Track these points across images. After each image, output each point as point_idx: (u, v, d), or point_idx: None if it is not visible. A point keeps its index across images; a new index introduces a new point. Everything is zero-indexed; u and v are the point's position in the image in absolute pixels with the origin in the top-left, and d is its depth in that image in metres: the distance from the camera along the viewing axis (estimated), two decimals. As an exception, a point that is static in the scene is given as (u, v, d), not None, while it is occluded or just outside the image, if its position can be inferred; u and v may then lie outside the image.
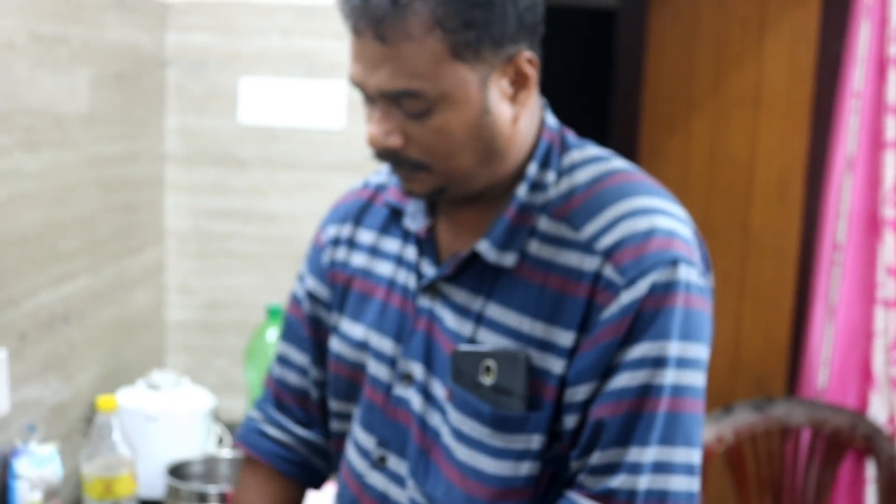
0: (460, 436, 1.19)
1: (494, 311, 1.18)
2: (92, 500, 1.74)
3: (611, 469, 1.11)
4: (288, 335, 1.45)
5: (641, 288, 1.10)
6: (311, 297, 1.41)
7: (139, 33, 2.31)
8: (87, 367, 2.10)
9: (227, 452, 2.09)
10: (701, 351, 1.13)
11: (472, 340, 1.19)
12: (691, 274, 1.12)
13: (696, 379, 1.13)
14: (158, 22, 2.42)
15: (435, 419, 1.23)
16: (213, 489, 1.87)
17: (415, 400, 1.25)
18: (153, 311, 2.52)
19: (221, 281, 2.58)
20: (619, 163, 1.23)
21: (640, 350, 1.10)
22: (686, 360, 1.11)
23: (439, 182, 1.18)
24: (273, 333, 2.23)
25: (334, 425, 1.39)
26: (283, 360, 1.45)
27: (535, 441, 1.15)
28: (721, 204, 3.23)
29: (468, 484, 1.19)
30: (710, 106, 3.28)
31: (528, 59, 1.15)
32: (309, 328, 1.42)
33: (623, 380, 1.10)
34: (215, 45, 2.48)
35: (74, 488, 1.96)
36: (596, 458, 1.12)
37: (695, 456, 1.13)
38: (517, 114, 1.17)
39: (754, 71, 3.18)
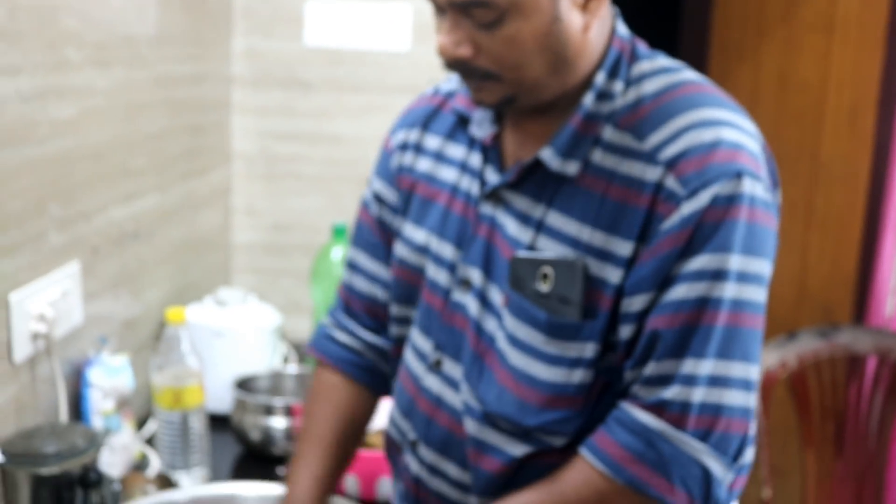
0: (515, 341, 1.21)
1: (555, 218, 1.18)
2: (162, 409, 1.78)
3: (665, 380, 1.11)
4: (357, 240, 1.47)
5: (703, 199, 1.08)
6: (378, 199, 1.43)
7: (206, -46, 2.32)
8: (155, 283, 2.14)
9: (292, 369, 2.13)
10: (763, 266, 1.12)
11: (531, 247, 1.20)
12: (756, 188, 1.10)
13: (757, 294, 1.11)
14: (225, -57, 2.42)
15: (491, 324, 1.24)
16: (278, 402, 1.91)
17: (472, 305, 1.26)
18: (220, 231, 2.56)
19: (287, 202, 2.61)
20: (689, 74, 1.21)
21: (699, 262, 1.08)
22: (747, 274, 1.10)
23: (509, 91, 1.17)
24: (338, 253, 2.25)
25: (394, 329, 1.42)
26: (351, 266, 1.48)
27: (589, 349, 1.16)
28: (791, 131, 3.17)
29: (521, 389, 1.20)
30: (782, 31, 3.21)
31: None
32: (377, 231, 1.44)
33: (681, 291, 1.09)
34: (281, -33, 2.48)
35: (145, 399, 2.01)
36: (650, 368, 1.12)
37: (752, 372, 1.12)
38: (588, 22, 1.15)
39: (827, -5, 3.11)
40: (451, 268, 1.29)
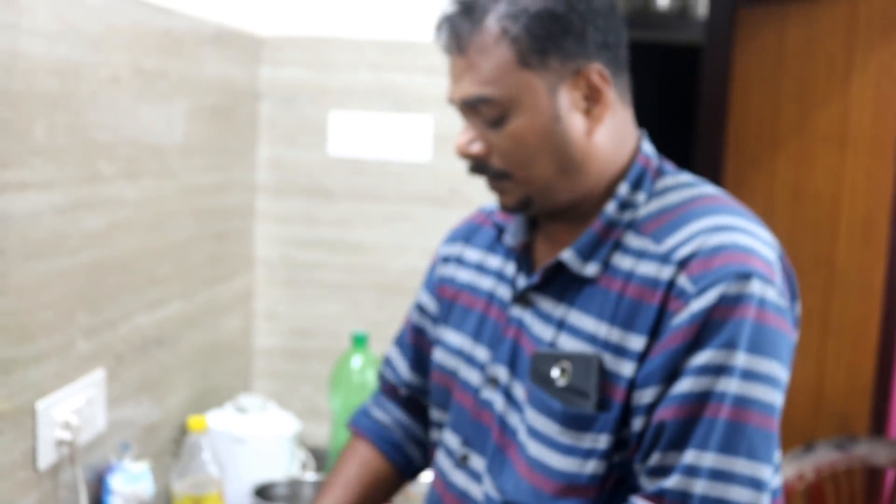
0: (533, 432, 1.26)
1: (575, 317, 1.26)
2: (181, 517, 1.79)
3: (666, 470, 1.15)
4: (398, 340, 1.63)
5: (711, 297, 1.13)
6: (420, 308, 1.56)
7: (234, 67, 2.39)
8: (177, 389, 2.17)
9: (310, 476, 2.14)
10: (773, 368, 1.14)
11: (552, 344, 1.27)
12: (767, 291, 1.15)
13: (766, 394, 1.14)
14: (252, 56, 2.50)
15: (514, 419, 1.30)
16: (297, 511, 1.92)
17: (497, 401, 1.33)
18: (242, 336, 2.59)
19: (308, 309, 2.64)
20: (710, 188, 1.30)
21: (704, 356, 1.13)
22: (754, 373, 1.13)
23: (524, 192, 1.27)
24: (357, 361, 2.27)
25: (434, 434, 1.49)
26: (386, 360, 1.62)
27: (603, 441, 1.20)
28: (805, 241, 3.20)
29: (535, 478, 1.25)
30: (795, 143, 3.27)
31: (598, 71, 1.23)
32: (411, 335, 1.57)
33: (686, 384, 1.14)
34: (307, 79, 2.55)
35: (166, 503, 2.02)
36: (654, 459, 1.16)
37: (762, 471, 1.13)
38: (591, 127, 1.24)
39: (840, 108, 3.16)
40: (482, 368, 1.37)
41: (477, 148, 1.27)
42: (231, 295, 2.48)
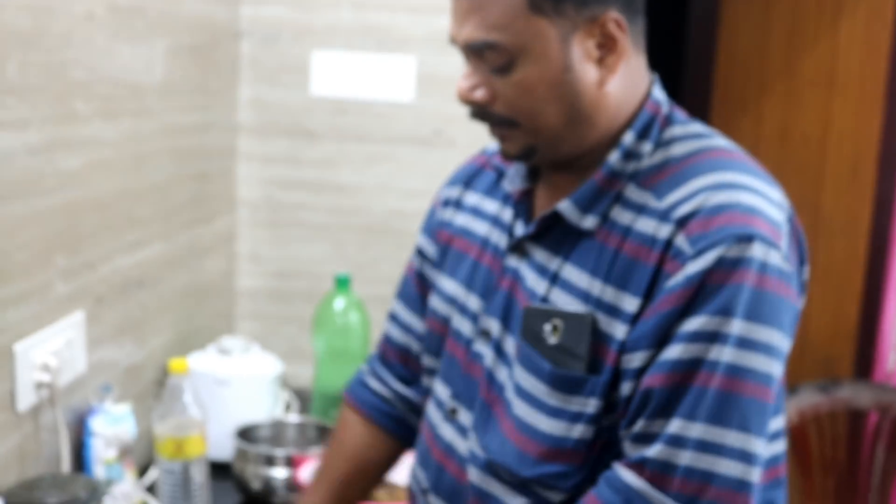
0: (520, 391, 1.21)
1: (570, 272, 1.19)
2: (164, 458, 1.79)
3: (650, 438, 1.10)
4: (399, 292, 1.54)
5: (708, 259, 1.07)
6: (420, 253, 1.49)
7: (214, 5, 2.35)
8: (159, 331, 2.15)
9: (294, 417, 2.14)
10: (772, 336, 1.08)
11: (545, 299, 1.21)
12: (770, 255, 1.08)
13: (763, 364, 1.07)
14: (234, -6, 2.45)
15: (503, 374, 1.25)
16: (280, 452, 1.91)
17: (487, 355, 1.28)
18: (224, 278, 2.57)
19: (291, 250, 2.63)
20: (720, 141, 1.22)
21: (697, 322, 1.07)
22: (750, 341, 1.06)
23: (529, 141, 1.20)
24: (340, 304, 2.26)
25: (425, 381, 1.45)
26: (392, 317, 1.54)
27: (591, 405, 1.15)
28: (792, 184, 3.17)
29: (521, 439, 1.20)
30: (783, 85, 3.24)
31: (615, 20, 1.15)
32: (416, 283, 1.50)
33: (676, 351, 1.08)
34: (288, 18, 2.51)
35: (147, 447, 2.01)
36: (639, 426, 1.11)
37: (754, 444, 1.08)
38: (603, 77, 1.17)
39: (829, 50, 3.14)
40: (474, 318, 1.32)
41: (480, 94, 1.19)
42: (213, 236, 2.46)
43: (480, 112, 1.21)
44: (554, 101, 1.16)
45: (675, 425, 1.08)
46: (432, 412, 1.38)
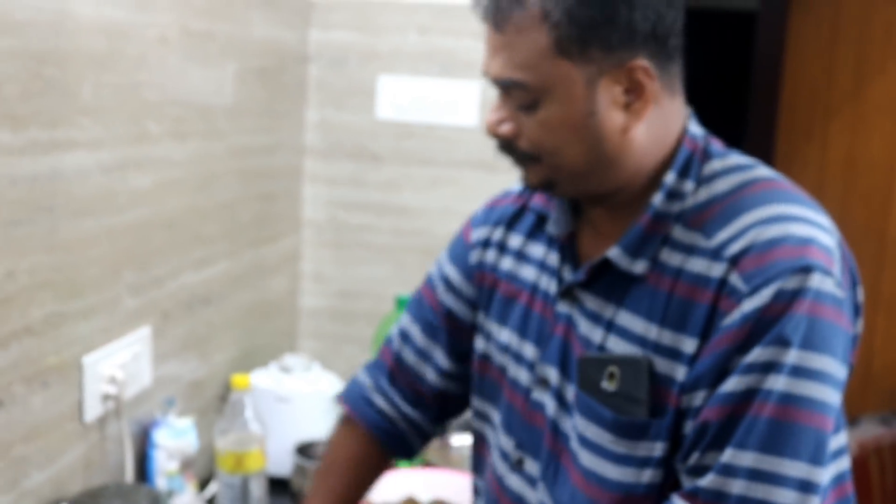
0: (584, 441, 1.21)
1: (624, 318, 1.19)
2: (224, 472, 1.83)
3: (704, 469, 1.09)
4: (415, 314, 1.50)
5: (765, 296, 1.07)
6: (449, 286, 1.46)
7: (283, 30, 2.41)
8: (223, 347, 2.20)
9: (352, 436, 2.16)
10: (828, 364, 1.07)
11: (601, 347, 1.20)
12: (826, 283, 1.07)
13: (819, 392, 1.06)
14: (302, 19, 2.51)
15: (567, 424, 1.25)
16: (337, 469, 1.94)
17: (549, 404, 1.27)
18: (288, 297, 2.62)
19: (354, 271, 2.66)
20: (763, 171, 1.21)
21: (753, 355, 1.07)
22: (805, 369, 1.05)
23: (548, 174, 1.20)
24: (400, 323, 2.29)
25: (475, 423, 1.44)
26: (404, 336, 1.50)
27: (658, 448, 1.15)
28: (858, 212, 3.17)
29: (591, 489, 1.20)
30: (849, 112, 3.22)
31: (643, 68, 1.14)
32: (440, 315, 1.46)
33: (732, 383, 1.08)
34: (355, 42, 2.56)
35: (208, 461, 2.06)
36: (694, 458, 1.11)
37: (812, 473, 1.06)
38: (629, 123, 1.16)
39: (896, 77, 3.11)
40: (531, 367, 1.31)
41: (506, 129, 1.20)
42: (278, 256, 2.51)
43: (506, 145, 1.22)
44: (577, 143, 1.16)
45: (727, 455, 1.07)
46: (497, 462, 1.37)
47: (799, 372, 1.06)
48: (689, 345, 1.12)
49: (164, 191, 1.84)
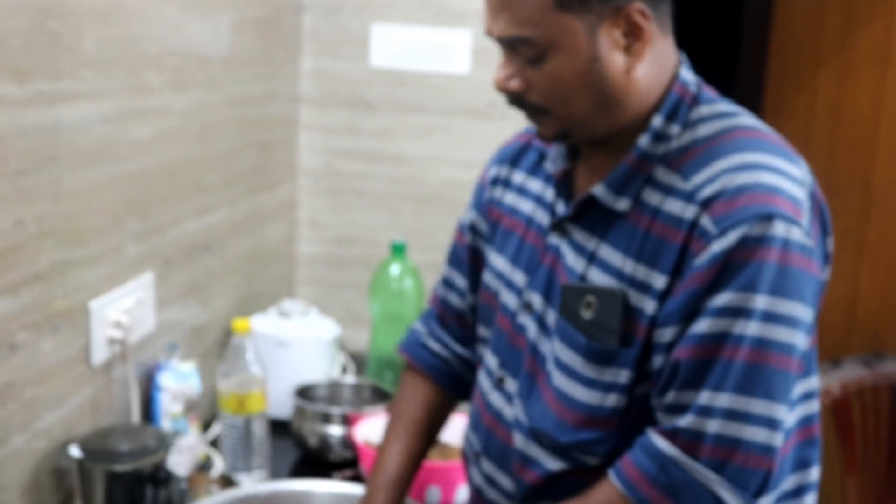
0: (559, 363, 1.29)
1: (605, 251, 1.26)
2: (227, 413, 1.88)
3: (681, 409, 1.17)
4: (452, 260, 1.60)
5: (731, 238, 1.13)
6: (472, 228, 1.56)
7: (279, -20, 2.43)
8: (223, 293, 2.25)
9: (350, 379, 2.23)
10: (797, 309, 1.14)
11: (582, 278, 1.28)
12: (792, 232, 1.14)
13: (788, 336, 1.14)
14: (297, -31, 2.53)
15: (545, 347, 1.33)
16: (336, 411, 2.00)
17: (531, 328, 1.36)
18: (285, 244, 2.66)
19: (349, 218, 2.71)
20: (746, 120, 1.26)
21: (723, 298, 1.13)
22: (775, 315, 1.13)
23: (561, 126, 1.27)
24: (396, 269, 2.34)
25: (479, 349, 1.53)
26: (447, 283, 1.61)
27: (623, 375, 1.23)
28: (844, 160, 3.21)
29: (560, 409, 1.29)
30: (837, 61, 3.25)
31: (639, 10, 1.20)
32: (468, 256, 1.57)
33: (703, 325, 1.14)
34: (350, -8, 2.59)
35: (211, 403, 2.12)
36: (670, 397, 1.18)
37: (778, 411, 1.15)
38: (630, 64, 1.22)
39: (884, 26, 3.14)
40: (519, 293, 1.39)
41: (515, 84, 1.26)
42: (275, 203, 2.55)
43: (516, 100, 1.28)
44: (584, 90, 1.22)
45: (704, 397, 1.15)
46: (483, 380, 1.47)
47: (769, 317, 1.13)
48: (659, 281, 1.20)
49: (165, 140, 1.88)
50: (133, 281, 1.80)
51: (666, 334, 1.19)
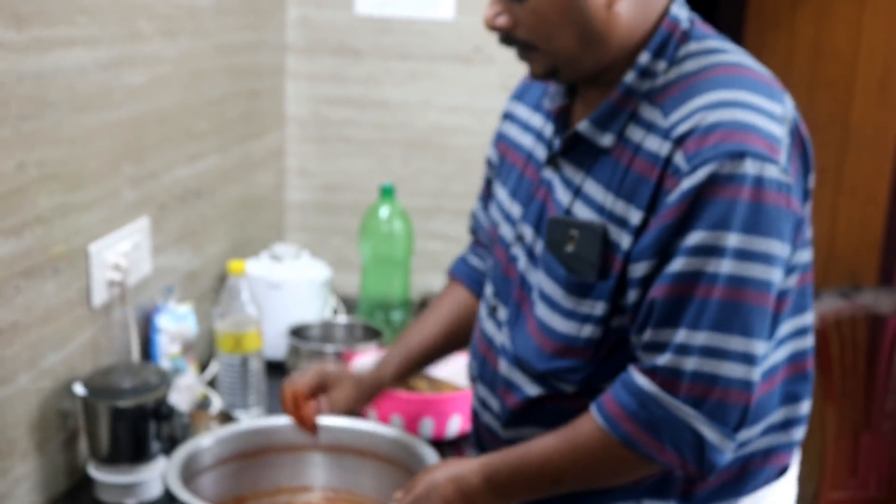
0: (542, 294, 1.35)
1: (590, 186, 1.30)
2: (224, 353, 1.94)
3: (659, 347, 1.20)
4: (481, 194, 1.66)
5: (700, 175, 1.15)
6: (489, 162, 1.61)
7: (263, -72, 2.45)
8: (216, 238, 2.30)
9: (342, 319, 2.28)
10: (773, 246, 1.16)
11: (568, 211, 1.32)
12: (766, 169, 1.15)
13: (763, 272, 1.16)
14: (281, -83, 2.55)
15: (532, 277, 1.38)
16: (329, 348, 2.06)
17: (522, 259, 1.41)
18: (274, 191, 2.70)
19: (337, 164, 2.75)
20: (731, 56, 1.28)
21: (695, 237, 1.16)
22: (749, 252, 1.15)
23: (549, 63, 1.31)
24: (385, 211, 2.39)
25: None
26: (477, 208, 1.67)
27: (599, 307, 1.27)
28: (823, 99, 3.25)
29: (540, 338, 1.34)
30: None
31: None
32: (486, 188, 1.63)
33: (678, 264, 1.18)
34: (334, -60, 2.61)
35: (207, 344, 2.17)
36: (647, 335, 1.22)
37: (757, 347, 1.18)
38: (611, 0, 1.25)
39: (861, -35, 3.17)
40: (514, 224, 1.44)
41: (502, 21, 1.29)
42: (264, 151, 2.59)
43: (506, 37, 1.32)
44: (567, 25, 1.25)
45: (681, 335, 1.18)
46: (481, 308, 1.53)
47: (743, 255, 1.16)
48: (635, 217, 1.23)
49: (157, 87, 1.92)
50: (130, 225, 1.84)
51: (639, 269, 1.22)
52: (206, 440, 1.61)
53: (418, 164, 2.71)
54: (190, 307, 1.97)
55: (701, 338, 1.17)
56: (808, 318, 1.33)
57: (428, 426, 1.85)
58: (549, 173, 1.38)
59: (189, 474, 1.53)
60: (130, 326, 1.85)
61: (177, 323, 1.93)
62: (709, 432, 1.19)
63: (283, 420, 1.67)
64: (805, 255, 1.28)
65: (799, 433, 1.38)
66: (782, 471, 1.40)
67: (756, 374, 1.19)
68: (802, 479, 2.57)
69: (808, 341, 1.34)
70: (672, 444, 1.20)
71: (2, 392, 1.50)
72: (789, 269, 1.23)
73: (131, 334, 1.85)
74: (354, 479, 1.67)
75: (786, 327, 1.28)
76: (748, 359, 1.18)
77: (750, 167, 1.15)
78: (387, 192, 2.38)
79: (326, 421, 1.63)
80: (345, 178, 2.76)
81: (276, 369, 2.15)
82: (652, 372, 1.20)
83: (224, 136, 2.30)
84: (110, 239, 1.77)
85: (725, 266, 1.15)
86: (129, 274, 1.82)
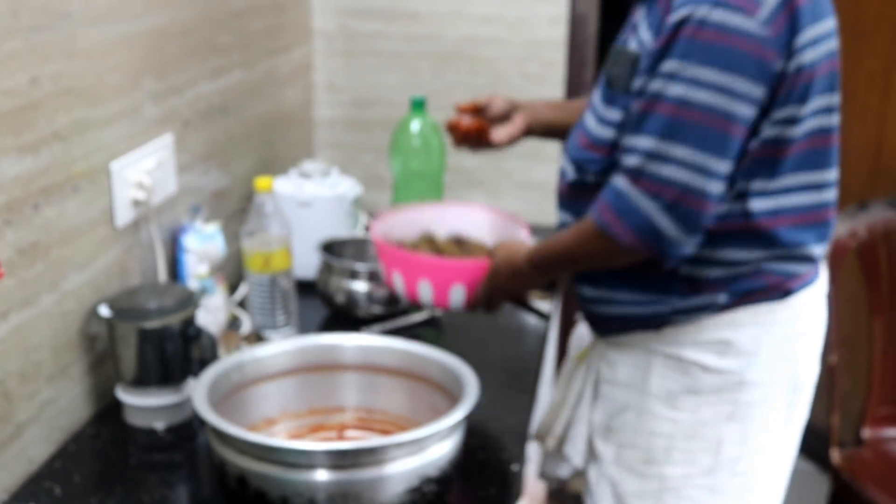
0: (591, 103, 1.63)
1: (642, 25, 1.53)
2: (253, 272, 1.89)
3: (628, 150, 1.46)
4: None
5: (682, 13, 1.39)
6: None
7: None
8: (242, 156, 2.24)
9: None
10: (720, 78, 1.37)
11: (625, 42, 1.56)
12: (714, 13, 1.36)
13: (713, 99, 1.38)
14: None
15: (596, 94, 1.63)
16: (362, 267, 2.01)
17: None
18: (302, 107, 2.64)
19: (367, 79, 2.68)
20: None
21: (667, 65, 1.41)
22: (699, 80, 1.38)
23: None
24: (416, 125, 2.32)
25: None
26: None
27: (615, 114, 1.53)
28: (871, 4, 3.13)
29: (581, 138, 1.62)
30: None
31: None
32: None
33: (652, 84, 1.43)
34: None
35: (236, 265, 2.13)
36: (624, 140, 1.48)
37: (712, 163, 1.40)
38: None
39: None
40: None
41: None
42: (290, 66, 2.52)
43: None
44: None
45: (640, 140, 1.44)
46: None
47: (695, 83, 1.38)
48: (649, 41, 1.48)
49: (177, -2, 1.85)
50: (153, 142, 1.78)
51: (637, 83, 1.48)
52: (235, 361, 1.57)
53: (450, 77, 2.63)
54: (217, 227, 1.92)
55: (649, 142, 1.42)
56: (828, 175, 1.53)
57: (426, 290, 1.78)
58: (636, 16, 1.59)
59: (217, 396, 1.49)
60: (156, 247, 1.80)
61: (204, 242, 1.88)
62: (665, 224, 1.43)
63: (313, 340, 1.62)
64: (821, 118, 1.47)
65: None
66: (784, 294, 1.57)
67: (711, 185, 1.41)
68: (848, 395, 2.52)
69: (827, 196, 1.54)
70: (636, 230, 1.44)
71: (24, 314, 1.46)
72: (790, 121, 1.43)
73: (157, 255, 1.81)
74: (387, 399, 1.63)
75: (791, 179, 1.48)
76: (696, 168, 1.40)
77: (702, 11, 1.37)
78: (418, 106, 2.31)
79: (359, 340, 1.60)
80: (374, 92, 2.69)
81: (307, 289, 2.11)
82: (625, 171, 1.45)
83: (248, 50, 2.23)
84: (133, 156, 1.71)
85: (676, 89, 1.40)
86: (154, 193, 1.77)
